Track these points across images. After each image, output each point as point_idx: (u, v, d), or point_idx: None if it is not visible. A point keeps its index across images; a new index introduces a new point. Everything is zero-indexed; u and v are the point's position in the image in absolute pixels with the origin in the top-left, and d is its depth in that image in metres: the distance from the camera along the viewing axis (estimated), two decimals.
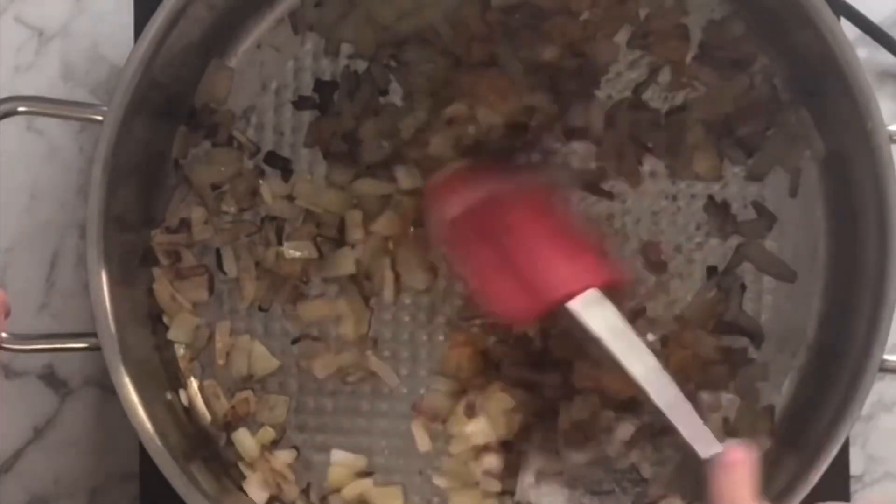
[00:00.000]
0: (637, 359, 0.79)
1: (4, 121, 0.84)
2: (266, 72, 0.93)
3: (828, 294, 0.90)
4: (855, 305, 0.85)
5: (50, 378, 0.98)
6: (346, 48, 0.93)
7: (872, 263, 0.82)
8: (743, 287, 0.91)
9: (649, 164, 0.92)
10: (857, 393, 0.80)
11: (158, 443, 0.84)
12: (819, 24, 0.81)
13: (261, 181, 0.92)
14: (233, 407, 0.92)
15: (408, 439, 0.93)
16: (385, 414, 0.93)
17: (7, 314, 0.82)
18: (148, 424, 0.85)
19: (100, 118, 0.84)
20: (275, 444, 0.93)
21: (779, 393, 0.91)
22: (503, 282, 0.84)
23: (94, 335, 0.84)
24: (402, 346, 0.93)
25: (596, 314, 0.81)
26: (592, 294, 0.81)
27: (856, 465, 0.95)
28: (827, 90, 0.84)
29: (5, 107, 0.83)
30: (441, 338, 0.93)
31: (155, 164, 0.92)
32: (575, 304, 0.81)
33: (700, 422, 0.76)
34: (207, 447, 0.92)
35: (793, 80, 0.90)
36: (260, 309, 0.93)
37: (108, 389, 0.97)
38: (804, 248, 0.91)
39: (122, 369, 0.84)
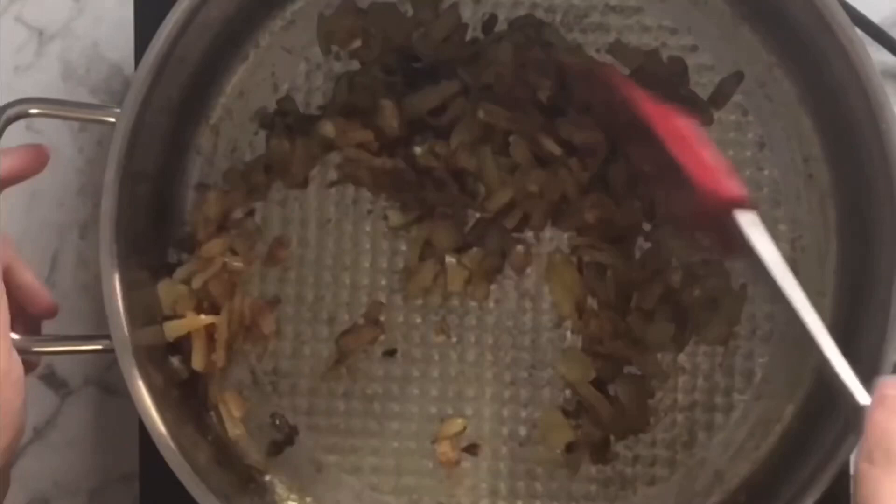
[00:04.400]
0: (803, 302, 0.74)
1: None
2: (278, 73, 0.94)
3: (839, 295, 0.91)
4: (867, 306, 0.86)
5: (50, 378, 0.98)
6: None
7: (884, 263, 0.83)
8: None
9: None
10: (871, 395, 0.80)
11: (172, 445, 0.84)
12: (829, 21, 0.82)
13: None
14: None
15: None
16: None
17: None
18: (161, 426, 0.84)
19: (112, 119, 0.83)
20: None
21: (791, 395, 0.92)
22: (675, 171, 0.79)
23: (107, 337, 0.84)
24: None
25: (763, 239, 0.76)
26: (754, 216, 0.77)
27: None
28: (839, 88, 0.85)
29: (16, 109, 0.83)
30: None
31: (168, 161, 0.92)
32: (745, 220, 0.76)
33: (852, 373, 0.73)
34: (221, 449, 0.92)
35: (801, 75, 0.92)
36: None
37: (108, 389, 0.98)
38: (814, 249, 0.92)
39: (136, 372, 0.84)
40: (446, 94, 0.91)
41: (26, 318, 0.85)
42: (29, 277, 0.85)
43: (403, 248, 0.93)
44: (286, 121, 0.93)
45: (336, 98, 0.93)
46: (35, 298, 0.85)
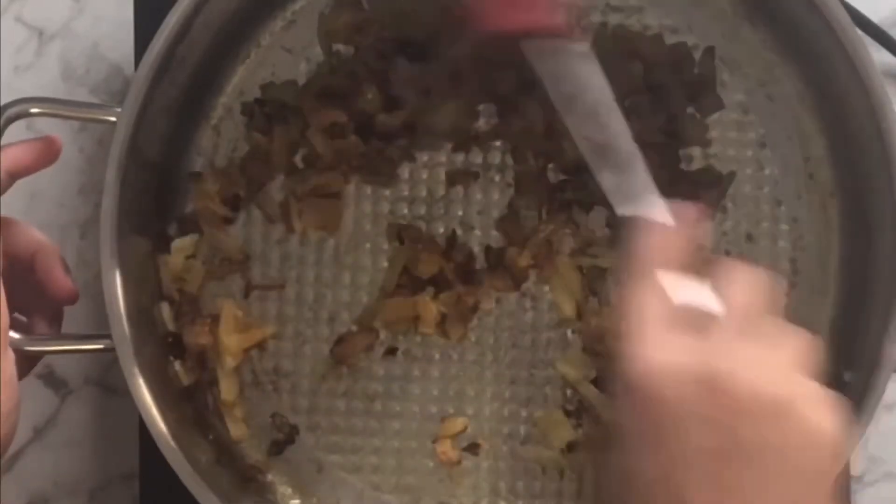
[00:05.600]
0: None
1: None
2: (278, 73, 0.94)
3: (841, 296, 0.91)
4: (868, 305, 0.86)
5: (50, 378, 0.98)
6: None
7: (885, 263, 0.83)
8: None
9: None
10: (872, 395, 0.81)
11: (172, 444, 0.84)
12: (830, 20, 0.82)
13: None
14: None
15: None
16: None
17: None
18: (161, 426, 0.84)
19: (112, 119, 0.83)
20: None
21: None
22: None
23: (107, 337, 0.84)
24: None
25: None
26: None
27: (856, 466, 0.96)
28: (840, 87, 0.85)
29: (16, 109, 0.82)
30: None
31: (169, 161, 0.92)
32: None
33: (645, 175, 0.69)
34: (221, 449, 0.92)
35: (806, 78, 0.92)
36: None
37: (108, 389, 0.98)
38: (815, 249, 0.92)
39: (136, 372, 0.83)
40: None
41: (49, 305, 0.85)
42: (51, 262, 0.84)
43: None
44: (265, 109, 0.93)
45: (313, 80, 0.93)
46: (56, 284, 0.84)
